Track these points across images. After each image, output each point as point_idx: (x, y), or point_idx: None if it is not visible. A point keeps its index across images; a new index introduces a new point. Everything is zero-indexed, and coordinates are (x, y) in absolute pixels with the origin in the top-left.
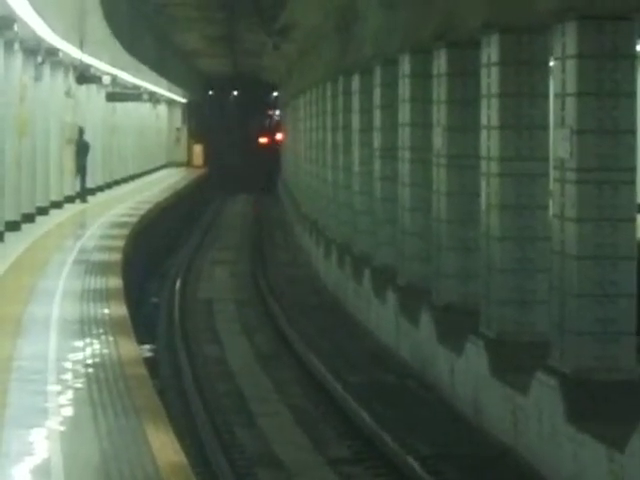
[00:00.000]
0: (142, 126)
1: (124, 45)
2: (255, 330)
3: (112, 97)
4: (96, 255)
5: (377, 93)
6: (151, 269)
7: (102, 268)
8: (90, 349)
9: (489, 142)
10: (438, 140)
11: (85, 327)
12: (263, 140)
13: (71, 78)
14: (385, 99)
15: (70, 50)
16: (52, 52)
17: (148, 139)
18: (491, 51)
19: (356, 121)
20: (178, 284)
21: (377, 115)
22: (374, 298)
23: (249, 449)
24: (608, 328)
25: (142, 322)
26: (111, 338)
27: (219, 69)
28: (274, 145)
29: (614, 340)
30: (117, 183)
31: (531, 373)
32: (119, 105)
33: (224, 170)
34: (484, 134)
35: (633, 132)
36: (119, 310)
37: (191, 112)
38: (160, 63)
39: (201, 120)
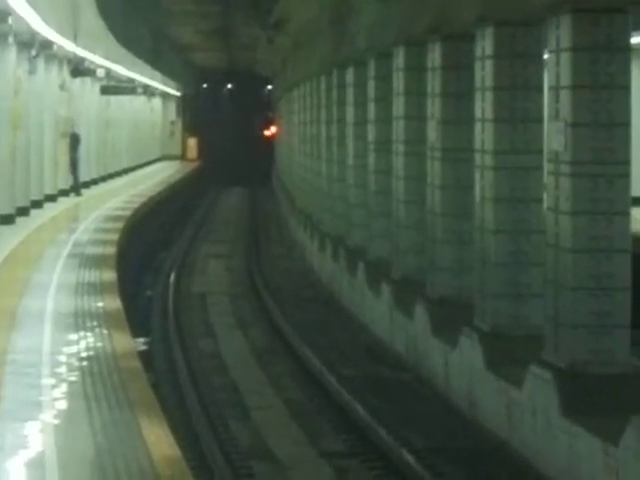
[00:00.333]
0: (136, 119)
1: (118, 38)
2: (249, 324)
3: (106, 90)
4: (90, 248)
5: (371, 86)
6: (145, 262)
7: (96, 261)
8: (84, 342)
9: (483, 135)
10: (432, 133)
11: (79, 320)
12: (257, 133)
13: (65, 71)
14: (379, 92)
15: (64, 43)
16: (46, 45)
17: (142, 132)
18: (485, 44)
19: (350, 114)
20: (172, 278)
21: (371, 108)
22: (368, 291)
23: (244, 443)
24: (603, 321)
25: (136, 315)
26: (105, 331)
27: (214, 62)
28: (268, 138)
29: (609, 333)
30: (111, 176)
31: (525, 366)
32: (113, 98)
33: (218, 163)
34: (478, 127)
35: (627, 125)
36: (113, 303)
37: (185, 105)
38: (154, 56)
39: (195, 113)
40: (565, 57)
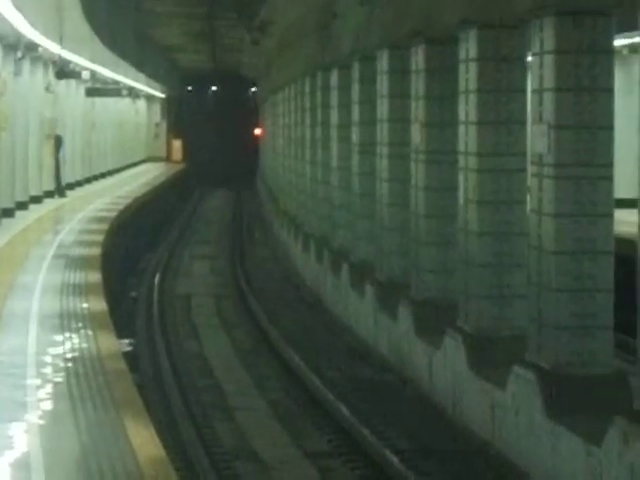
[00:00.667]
0: (121, 121)
1: (103, 41)
2: (234, 325)
3: (91, 92)
4: (75, 250)
5: (355, 89)
6: (130, 264)
7: (81, 263)
8: (70, 343)
9: (467, 137)
10: (416, 135)
11: (65, 321)
12: (242, 135)
13: (51, 73)
14: (363, 95)
15: (50, 45)
16: (32, 47)
17: (127, 134)
18: (469, 47)
19: (334, 117)
20: (157, 279)
21: (355, 111)
22: (352, 292)
23: (228, 443)
24: (586, 322)
25: (121, 316)
26: (90, 332)
27: (198, 64)
28: (253, 140)
29: (592, 335)
30: (96, 178)
31: (509, 367)
32: (98, 100)
33: (203, 165)
34: (462, 129)
35: (611, 128)
36: (98, 305)
37: (170, 107)
38: (139, 58)
39: (180, 115)
40: (548, 60)
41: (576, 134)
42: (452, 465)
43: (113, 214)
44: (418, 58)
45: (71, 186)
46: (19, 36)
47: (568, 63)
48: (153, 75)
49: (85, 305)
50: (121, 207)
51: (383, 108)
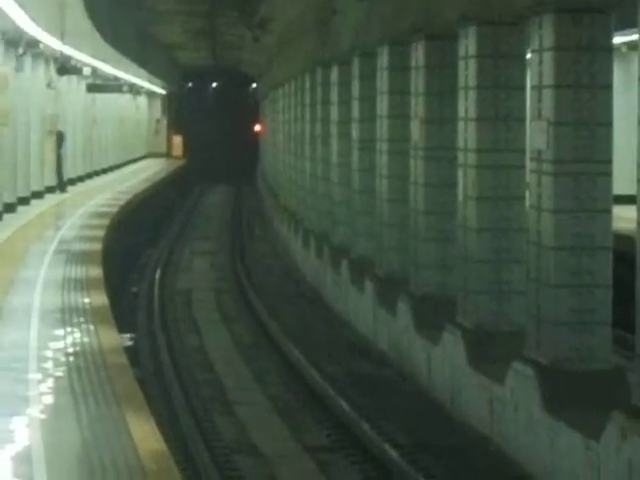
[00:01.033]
0: (122, 117)
1: (105, 37)
2: (234, 320)
3: (92, 88)
4: (77, 245)
5: (355, 85)
6: (131, 259)
7: (82, 258)
8: (71, 338)
9: (466, 134)
10: (416, 132)
11: (66, 316)
12: (242, 131)
13: (52, 69)
14: (363, 91)
15: (51, 42)
16: (33, 43)
17: (128, 130)
18: (469, 43)
19: (334, 113)
20: (158, 274)
21: (355, 107)
22: (352, 288)
23: (228, 437)
24: (584, 318)
25: (123, 311)
26: (92, 327)
27: (199, 61)
28: (253, 136)
29: (590, 330)
30: (97, 173)
31: (508, 363)
32: (99, 96)
33: (203, 161)
34: (461, 126)
35: (609, 124)
36: (99, 299)
37: (171, 104)
38: (140, 55)
39: (181, 112)
40: (548, 57)
41: (575, 130)
42: (451, 460)
43: (114, 209)
44: (418, 54)
45: (72, 181)
46: (21, 32)
47: (567, 60)
48: (154, 72)
49: (86, 300)
50: (122, 203)
51: (383, 104)
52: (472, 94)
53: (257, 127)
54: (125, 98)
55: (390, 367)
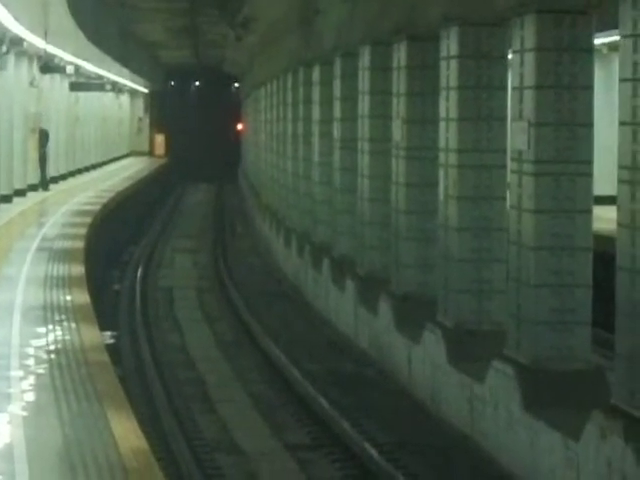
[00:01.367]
0: (105, 116)
1: (88, 36)
2: (216, 318)
3: (75, 87)
4: (59, 242)
5: (337, 85)
6: (113, 257)
7: (65, 255)
8: (53, 335)
9: (448, 134)
10: (397, 132)
11: (48, 314)
12: (224, 130)
13: (35, 68)
14: (345, 91)
15: (34, 40)
16: (16, 42)
17: (110, 128)
18: (450, 44)
19: (316, 112)
20: (140, 272)
21: (337, 106)
22: (333, 287)
23: (209, 435)
24: (564, 318)
25: (104, 309)
26: (73, 325)
27: (181, 60)
28: (235, 135)
29: (570, 330)
30: (80, 172)
31: (488, 362)
32: (82, 95)
33: (185, 160)
34: (443, 126)
35: (590, 125)
36: (82, 297)
37: (153, 102)
38: (123, 54)
39: (163, 110)
40: (529, 57)
41: (556, 131)
42: (431, 458)
43: (96, 208)
44: (400, 55)
45: (55, 180)
46: (4, 30)
47: (548, 61)
48: (136, 70)
49: (68, 297)
50: (104, 201)
51: (364, 104)
52: (454, 94)
53: (239, 126)
54: (108, 96)
55: (371, 366)
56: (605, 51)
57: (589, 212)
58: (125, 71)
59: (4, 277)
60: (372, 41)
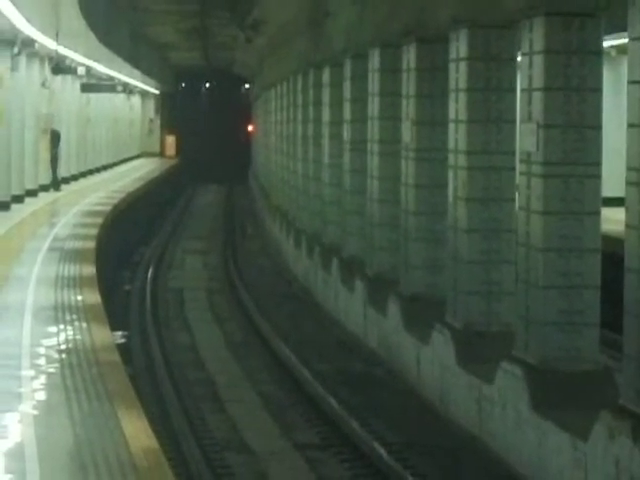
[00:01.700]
0: (116, 117)
1: (99, 37)
2: (226, 319)
3: (86, 88)
4: (70, 243)
5: (347, 86)
6: (124, 257)
7: (76, 256)
8: (64, 335)
9: (457, 135)
10: (407, 133)
11: (59, 313)
12: (235, 132)
13: (47, 69)
14: (355, 92)
15: (46, 41)
16: (28, 43)
17: (121, 129)
18: (459, 46)
19: (326, 114)
20: (150, 273)
21: (347, 108)
22: (343, 288)
23: (219, 434)
24: (572, 319)
25: (115, 309)
26: (84, 325)
27: (192, 62)
28: (245, 137)
29: (578, 331)
30: (91, 172)
31: (496, 362)
32: (93, 96)
33: (196, 161)
34: (452, 128)
35: (599, 127)
36: (92, 297)
37: (164, 103)
38: (134, 55)
39: (174, 112)
40: (538, 60)
41: (564, 133)
42: (439, 458)
43: (107, 208)
44: (409, 57)
45: (66, 180)
46: (16, 32)
47: (557, 63)
48: (147, 72)
49: (79, 298)
50: (115, 201)
51: (374, 106)
52: (463, 96)
53: (249, 127)
54: (119, 98)
55: (380, 366)
56: (614, 54)
57: (597, 214)
58: (136, 72)
59: (15, 277)
60: (382, 43)
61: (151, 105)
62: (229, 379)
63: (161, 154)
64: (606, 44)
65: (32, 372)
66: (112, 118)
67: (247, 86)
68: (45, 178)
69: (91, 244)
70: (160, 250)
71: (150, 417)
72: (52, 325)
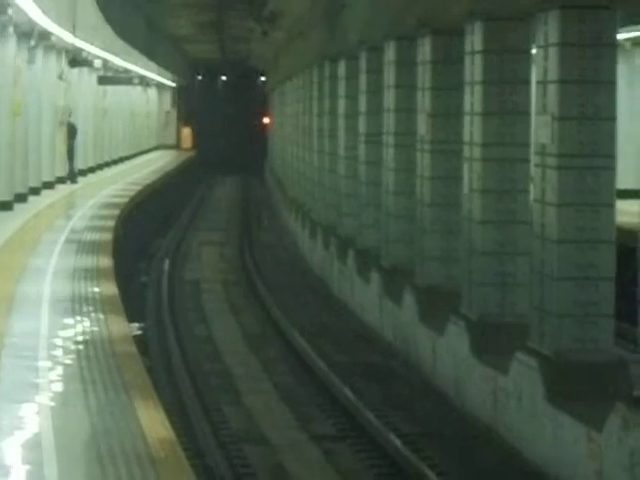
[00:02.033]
0: (132, 109)
1: (115, 29)
2: (242, 310)
3: (103, 80)
4: (87, 235)
5: (363, 79)
6: (141, 249)
7: (93, 247)
8: (81, 326)
9: (472, 128)
10: (422, 126)
11: (76, 305)
12: (250, 124)
13: (63, 61)
14: (370, 85)
15: (63, 34)
16: (45, 36)
17: (138, 122)
18: (475, 39)
19: (342, 106)
20: (167, 264)
21: (362, 101)
22: (358, 279)
23: (235, 425)
24: (587, 310)
25: (131, 301)
26: (101, 316)
27: (208, 54)
28: (261, 129)
29: (593, 322)
30: (108, 165)
31: (511, 354)
32: (110, 88)
33: (212, 153)
34: (467, 120)
35: (613, 119)
36: (109, 289)
37: (180, 96)
38: (150, 48)
39: (190, 104)
40: (553, 52)
41: (579, 125)
42: (454, 449)
43: (124, 200)
44: (424, 49)
45: (83, 172)
46: (33, 24)
47: (572, 56)
48: (164, 64)
49: (96, 289)
50: (132, 193)
51: (389, 98)
52: (478, 89)
53: (265, 120)
54: (135, 90)
55: (395, 357)
56: (628, 46)
57: (612, 206)
58: (152, 65)
59: (33, 269)
60: (397, 36)
61: (167, 98)
62: (246, 370)
63: (177, 146)
64: (620, 37)
65: (49, 363)
66: (129, 111)
67: (263, 78)
68: (62, 170)
69: (108, 236)
70: (177, 242)
71: (166, 408)
72: (69, 316)
